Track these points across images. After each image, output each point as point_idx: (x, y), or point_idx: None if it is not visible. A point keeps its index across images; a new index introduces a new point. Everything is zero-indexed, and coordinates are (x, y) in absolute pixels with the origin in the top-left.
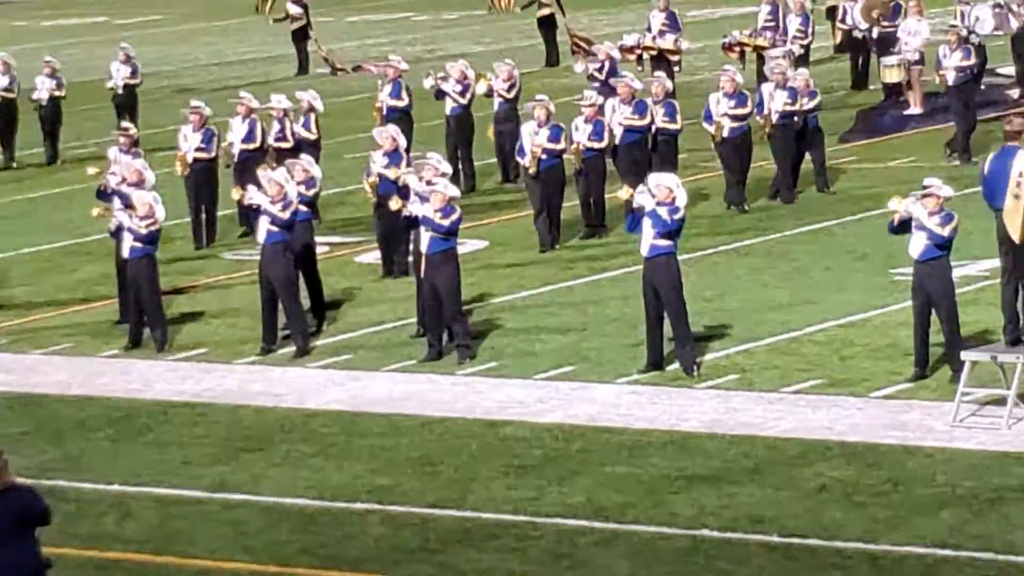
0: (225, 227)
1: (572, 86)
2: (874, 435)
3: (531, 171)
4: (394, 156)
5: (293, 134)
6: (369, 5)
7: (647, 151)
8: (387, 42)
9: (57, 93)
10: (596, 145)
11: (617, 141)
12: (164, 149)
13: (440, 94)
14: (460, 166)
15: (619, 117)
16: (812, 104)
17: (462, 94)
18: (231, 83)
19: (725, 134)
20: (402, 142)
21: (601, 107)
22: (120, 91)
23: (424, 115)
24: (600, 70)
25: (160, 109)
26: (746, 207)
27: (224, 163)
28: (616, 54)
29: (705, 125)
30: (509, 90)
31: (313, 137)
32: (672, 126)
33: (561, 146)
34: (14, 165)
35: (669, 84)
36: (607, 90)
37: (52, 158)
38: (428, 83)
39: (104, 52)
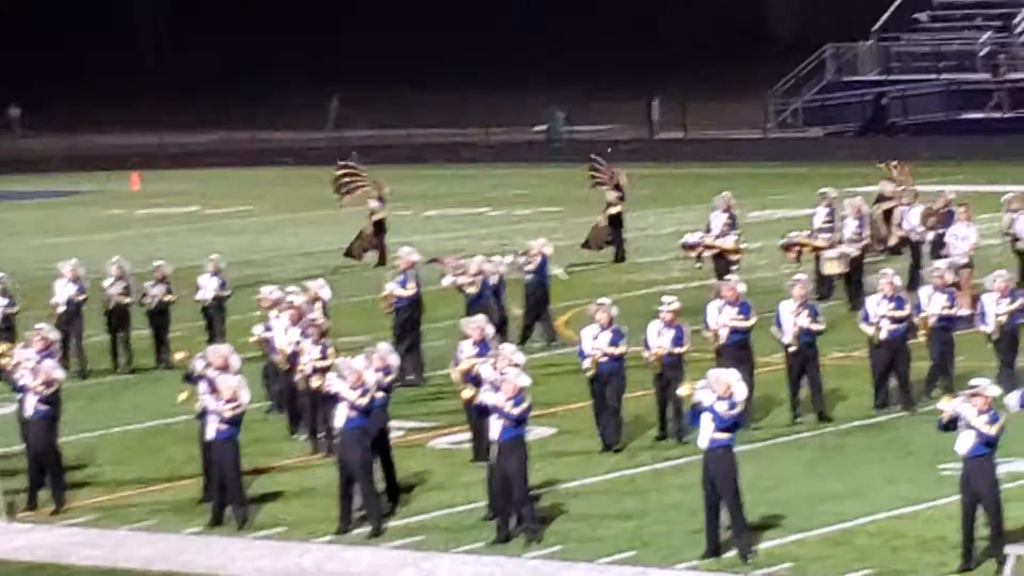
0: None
1: (638, 282)
2: None
3: (589, 374)
4: (482, 346)
5: None
6: (447, 201)
7: (751, 351)
8: (463, 235)
9: (168, 298)
10: (677, 351)
11: (722, 341)
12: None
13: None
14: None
15: (725, 319)
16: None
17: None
18: (315, 272)
19: (883, 335)
20: (489, 332)
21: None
22: (210, 302)
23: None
24: (472, 285)
25: (246, 296)
26: (916, 409)
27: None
28: (549, 250)
29: (863, 326)
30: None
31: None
32: (745, 324)
33: (620, 350)
34: (131, 369)
35: (743, 287)
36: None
37: (158, 362)
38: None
39: (196, 240)
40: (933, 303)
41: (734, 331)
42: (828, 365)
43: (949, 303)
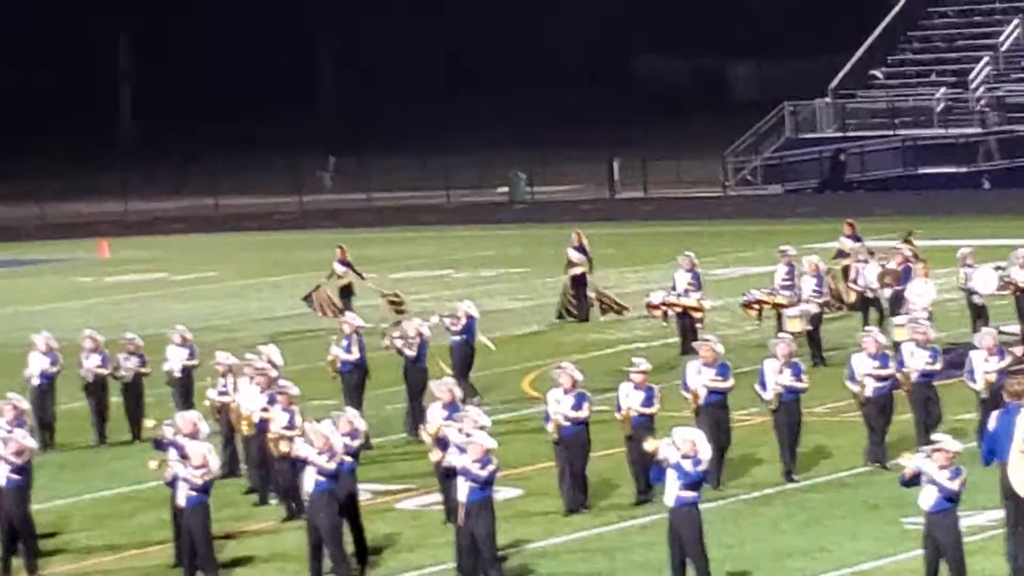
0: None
1: (601, 340)
2: None
3: (553, 437)
4: (452, 407)
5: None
6: (411, 263)
7: (728, 412)
8: (428, 297)
9: (143, 370)
10: (648, 411)
11: (701, 402)
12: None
13: None
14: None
15: (703, 379)
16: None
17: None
18: (283, 337)
19: (869, 393)
20: (458, 393)
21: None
22: (178, 374)
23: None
24: (409, 347)
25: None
26: (887, 464)
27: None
28: (475, 311)
29: (849, 384)
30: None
31: None
32: (724, 385)
33: (583, 414)
34: (105, 443)
35: (720, 347)
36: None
37: (133, 435)
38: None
39: (164, 306)
40: (916, 359)
41: (712, 392)
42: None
43: (932, 359)
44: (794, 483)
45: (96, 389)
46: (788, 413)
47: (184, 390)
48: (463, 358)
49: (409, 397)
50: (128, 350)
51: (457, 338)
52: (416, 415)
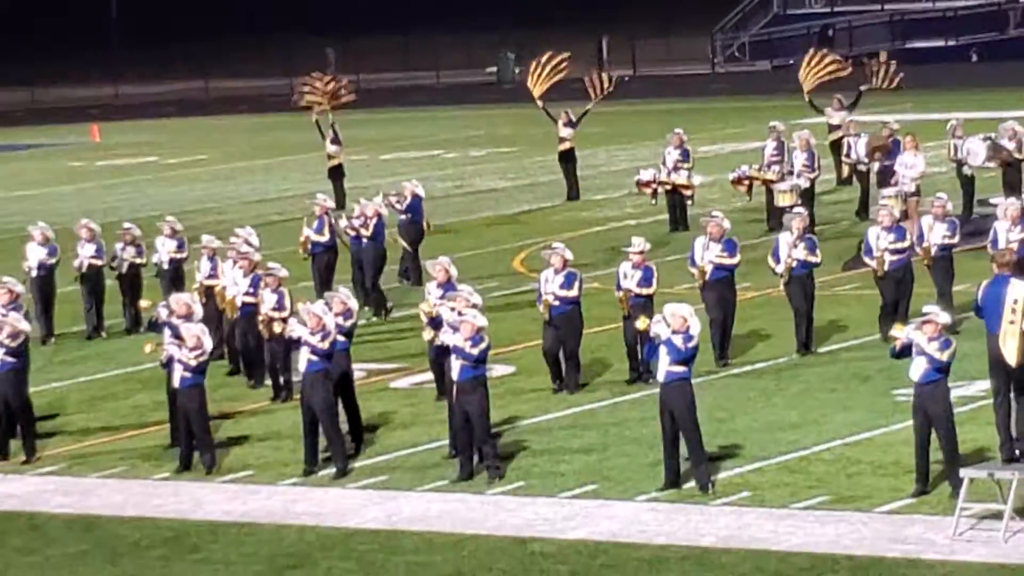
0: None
1: (592, 219)
2: (878, 549)
3: (544, 317)
4: (447, 286)
5: None
6: (401, 144)
7: (734, 288)
8: (418, 176)
9: (138, 261)
10: (645, 292)
11: (707, 277)
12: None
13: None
14: None
15: (711, 255)
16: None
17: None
18: (273, 219)
19: (886, 267)
20: (453, 272)
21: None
22: (166, 266)
23: None
24: (365, 227)
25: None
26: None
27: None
28: (420, 190)
29: (866, 259)
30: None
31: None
32: (730, 261)
33: (573, 293)
34: (103, 335)
35: (727, 224)
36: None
37: (131, 324)
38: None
39: (155, 190)
40: (935, 232)
41: (718, 267)
42: (776, 297)
43: (950, 231)
44: (813, 354)
45: (91, 279)
46: (802, 286)
47: (172, 282)
48: (410, 236)
49: (370, 280)
50: (125, 240)
51: (403, 216)
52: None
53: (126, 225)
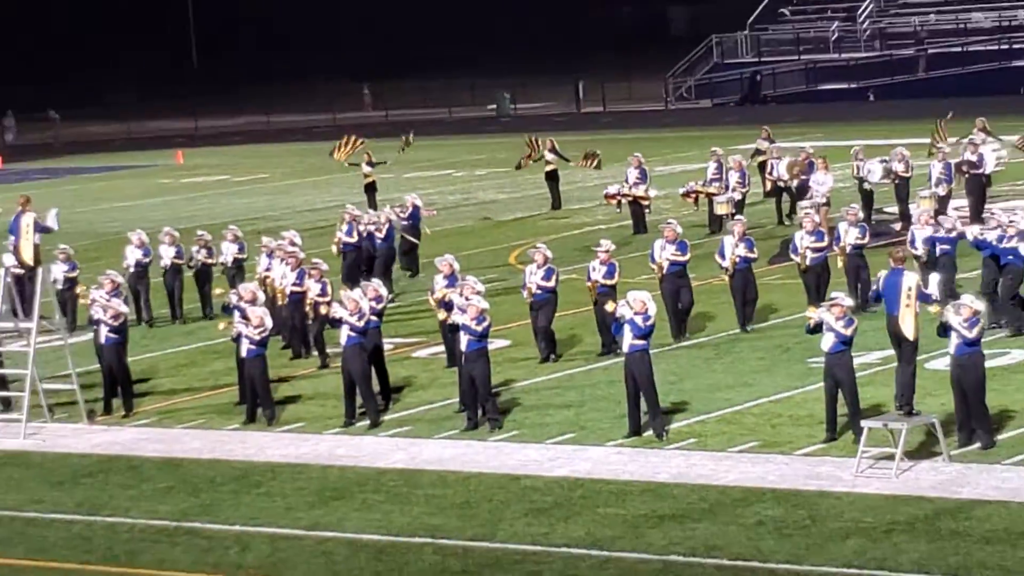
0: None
1: (570, 224)
2: (797, 483)
3: (527, 301)
4: (451, 278)
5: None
6: (420, 165)
7: (687, 278)
8: (433, 191)
9: (208, 260)
10: (609, 283)
11: (664, 271)
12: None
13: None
14: None
15: (667, 254)
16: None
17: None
18: (320, 224)
19: (808, 263)
20: (456, 266)
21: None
22: (230, 265)
23: None
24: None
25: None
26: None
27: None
28: (419, 202)
29: (792, 255)
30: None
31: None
32: (682, 258)
33: (552, 284)
34: (180, 318)
35: (680, 229)
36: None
37: (204, 315)
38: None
39: (227, 201)
40: (849, 235)
41: (673, 263)
42: (715, 286)
43: (861, 234)
44: (748, 332)
45: (172, 274)
46: (743, 278)
47: (235, 276)
48: (411, 235)
49: (379, 272)
50: (199, 244)
51: (405, 223)
52: (388, 281)
53: (199, 232)
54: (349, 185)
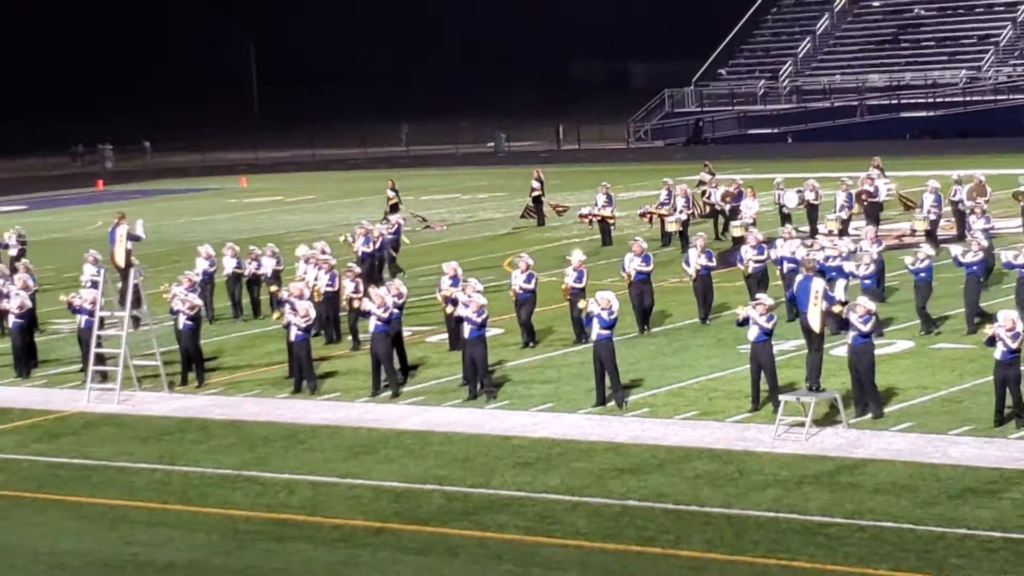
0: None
1: (550, 238)
2: (729, 444)
3: (512, 299)
4: (455, 280)
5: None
6: (433, 189)
7: (651, 285)
8: (444, 210)
9: (259, 272)
10: (579, 286)
11: (632, 279)
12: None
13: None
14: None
15: (635, 265)
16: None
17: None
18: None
19: (751, 271)
20: (459, 270)
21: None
22: (270, 275)
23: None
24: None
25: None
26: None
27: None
28: (402, 221)
29: (738, 264)
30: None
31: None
32: (647, 268)
33: (532, 286)
34: (241, 315)
35: (645, 244)
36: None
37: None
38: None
39: (281, 216)
40: (785, 248)
41: (639, 273)
42: (665, 288)
43: (795, 248)
44: (706, 324)
45: (232, 280)
46: (703, 282)
47: (275, 281)
48: (393, 247)
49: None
50: (251, 257)
51: (390, 236)
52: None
53: (251, 248)
54: (375, 206)
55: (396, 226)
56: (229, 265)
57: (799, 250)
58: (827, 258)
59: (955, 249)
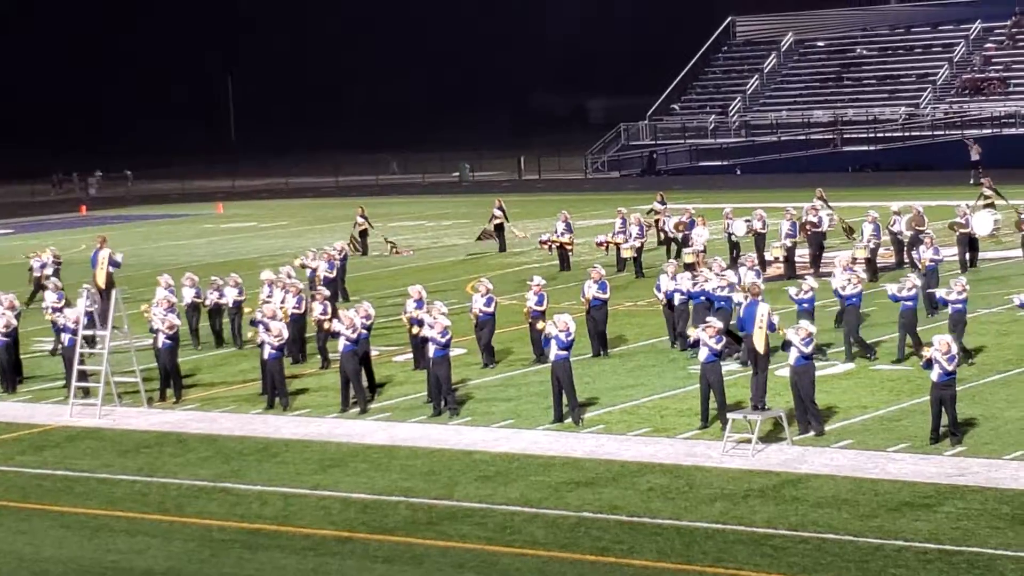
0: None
1: (511, 263)
2: (679, 459)
3: (473, 322)
4: (420, 302)
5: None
6: (401, 216)
7: (606, 310)
8: (411, 236)
9: (220, 301)
10: (539, 308)
11: (590, 304)
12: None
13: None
14: None
15: (593, 291)
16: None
17: None
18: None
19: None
20: (424, 294)
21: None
22: (231, 305)
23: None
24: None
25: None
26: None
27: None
28: (348, 248)
29: (657, 294)
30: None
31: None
32: (603, 296)
33: (491, 309)
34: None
35: (603, 271)
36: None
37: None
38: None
39: (255, 241)
40: (747, 276)
41: (596, 299)
42: (620, 311)
43: (756, 276)
44: (681, 351)
45: (190, 311)
46: (672, 307)
47: (236, 314)
48: (344, 270)
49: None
50: (213, 287)
51: (338, 262)
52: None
53: (212, 277)
54: (345, 232)
55: (343, 251)
56: (188, 295)
57: (684, 283)
58: (716, 287)
59: (891, 287)
